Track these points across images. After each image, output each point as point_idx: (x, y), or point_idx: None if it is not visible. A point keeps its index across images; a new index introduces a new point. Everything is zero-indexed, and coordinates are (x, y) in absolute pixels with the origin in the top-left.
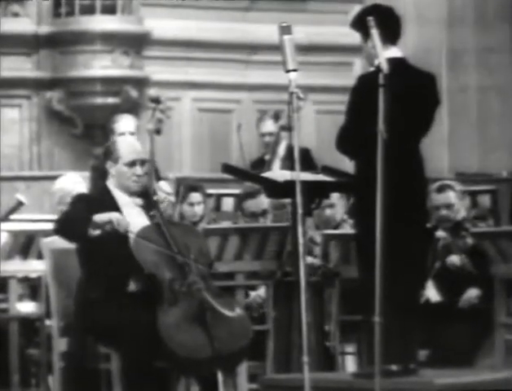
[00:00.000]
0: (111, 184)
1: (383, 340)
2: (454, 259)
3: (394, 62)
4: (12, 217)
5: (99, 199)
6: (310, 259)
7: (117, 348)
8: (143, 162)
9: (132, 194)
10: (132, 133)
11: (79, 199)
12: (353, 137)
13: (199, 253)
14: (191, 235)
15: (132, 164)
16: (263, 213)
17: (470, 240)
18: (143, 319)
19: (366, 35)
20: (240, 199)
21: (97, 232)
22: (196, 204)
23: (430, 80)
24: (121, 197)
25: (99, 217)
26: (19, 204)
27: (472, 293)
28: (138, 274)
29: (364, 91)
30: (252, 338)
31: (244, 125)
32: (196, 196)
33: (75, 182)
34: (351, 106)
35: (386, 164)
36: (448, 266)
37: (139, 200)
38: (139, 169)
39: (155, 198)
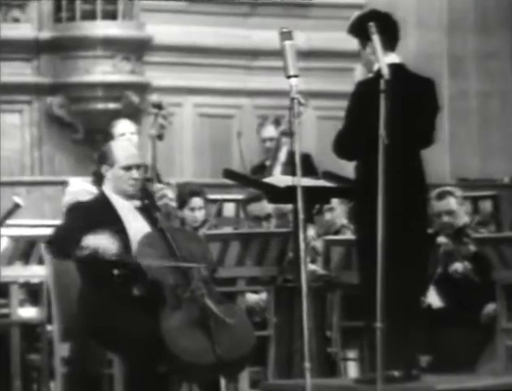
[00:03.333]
0: (107, 189)
1: (385, 345)
2: (457, 266)
3: (393, 68)
4: (13, 222)
5: (97, 205)
6: (312, 267)
7: (120, 352)
8: (138, 166)
9: (129, 197)
10: (133, 133)
11: (75, 209)
12: (351, 142)
13: (202, 259)
14: (193, 240)
15: (128, 168)
16: (267, 217)
17: (472, 247)
18: (147, 324)
19: (364, 41)
20: (244, 202)
21: (85, 253)
22: (197, 209)
23: (429, 85)
24: (117, 201)
25: (87, 242)
26: (17, 206)
27: (490, 308)
28: (141, 280)
29: (363, 97)
30: (254, 345)
31: (245, 130)
32: (196, 201)
33: (90, 194)
34: (350, 112)
35: (387, 170)
36: (450, 273)
37: (137, 203)
38: (135, 173)
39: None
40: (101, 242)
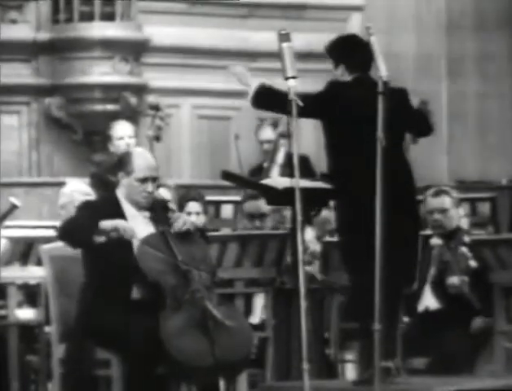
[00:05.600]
0: (120, 193)
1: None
2: (454, 280)
3: (371, 81)
4: (11, 223)
5: (107, 207)
6: (311, 271)
7: (119, 353)
8: (154, 179)
9: (140, 208)
10: (130, 137)
11: (86, 205)
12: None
13: (202, 262)
14: (194, 243)
15: (144, 180)
16: (261, 215)
17: (473, 263)
18: (146, 326)
19: (336, 63)
20: (241, 200)
21: (102, 239)
22: (194, 214)
23: (406, 94)
24: (128, 208)
25: (105, 224)
26: (13, 207)
27: (478, 321)
28: (141, 281)
29: (331, 97)
30: (253, 347)
31: (243, 132)
32: (193, 206)
33: (85, 194)
34: (320, 94)
35: (370, 171)
36: (446, 286)
37: (147, 213)
38: (150, 186)
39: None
40: (119, 222)
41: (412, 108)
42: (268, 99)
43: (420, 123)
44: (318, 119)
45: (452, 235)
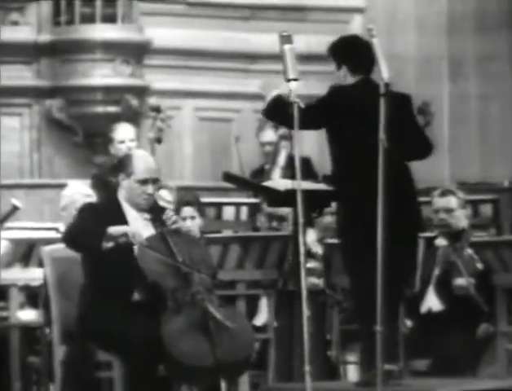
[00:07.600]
0: (120, 195)
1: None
2: (461, 282)
3: (372, 85)
4: (13, 225)
5: (108, 209)
6: (315, 281)
7: (120, 355)
8: (155, 181)
9: (140, 210)
10: (132, 140)
11: (87, 209)
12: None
13: (202, 264)
14: (194, 245)
15: (144, 182)
16: (280, 218)
17: (479, 265)
18: (147, 327)
19: (339, 63)
20: (261, 201)
21: (110, 244)
22: (189, 219)
23: (409, 100)
24: (129, 210)
25: (114, 230)
26: (15, 208)
27: (484, 326)
28: (142, 283)
29: (333, 104)
30: (255, 348)
31: (244, 134)
32: (188, 211)
33: (86, 196)
34: (322, 102)
35: (370, 174)
36: (453, 288)
37: (147, 215)
38: (150, 188)
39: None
40: (128, 228)
41: (414, 120)
42: (276, 111)
43: (419, 143)
44: (322, 128)
45: (457, 236)
